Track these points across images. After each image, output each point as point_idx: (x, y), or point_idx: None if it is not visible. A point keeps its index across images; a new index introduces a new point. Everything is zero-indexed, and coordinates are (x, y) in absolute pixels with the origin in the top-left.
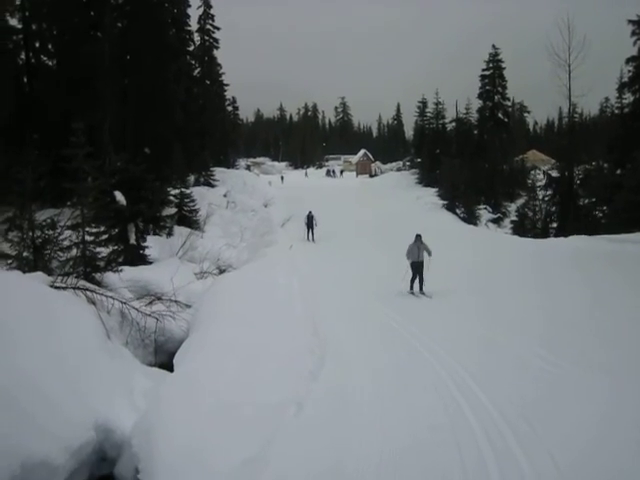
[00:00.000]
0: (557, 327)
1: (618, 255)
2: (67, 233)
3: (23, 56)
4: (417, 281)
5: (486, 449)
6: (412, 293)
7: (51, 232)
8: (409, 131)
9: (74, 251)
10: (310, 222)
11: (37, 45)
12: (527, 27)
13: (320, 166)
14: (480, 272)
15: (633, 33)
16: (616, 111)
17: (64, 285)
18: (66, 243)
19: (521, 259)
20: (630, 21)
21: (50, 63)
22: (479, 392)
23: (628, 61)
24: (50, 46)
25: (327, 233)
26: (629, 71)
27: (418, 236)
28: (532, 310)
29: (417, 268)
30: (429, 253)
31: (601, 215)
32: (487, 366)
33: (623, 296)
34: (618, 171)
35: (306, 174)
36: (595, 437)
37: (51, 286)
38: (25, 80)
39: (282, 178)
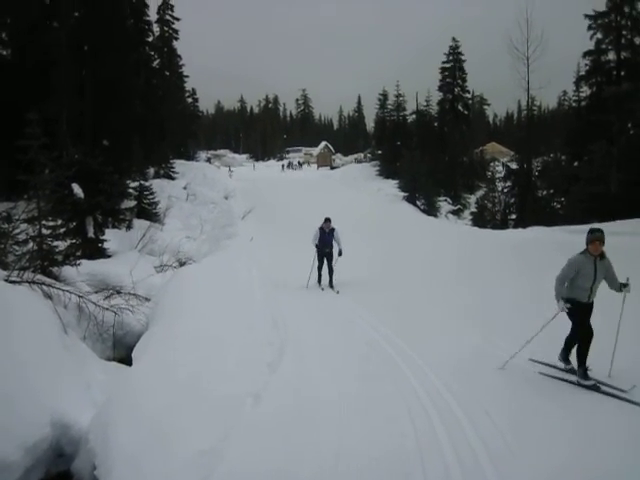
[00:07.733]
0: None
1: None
2: (23, 226)
3: None
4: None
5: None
6: (590, 386)
7: (6, 225)
8: (370, 123)
9: (30, 245)
10: (326, 245)
11: None
12: (488, 21)
13: (281, 158)
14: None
15: (589, 27)
16: (573, 104)
17: (19, 279)
18: (22, 237)
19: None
20: (587, 15)
21: (4, 52)
22: (430, 373)
23: (585, 55)
24: (4, 35)
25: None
26: (586, 65)
27: (595, 240)
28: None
29: (585, 315)
30: (617, 287)
31: (559, 206)
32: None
33: None
34: (575, 163)
35: (283, 167)
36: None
37: (6, 280)
38: None
39: (229, 168)
